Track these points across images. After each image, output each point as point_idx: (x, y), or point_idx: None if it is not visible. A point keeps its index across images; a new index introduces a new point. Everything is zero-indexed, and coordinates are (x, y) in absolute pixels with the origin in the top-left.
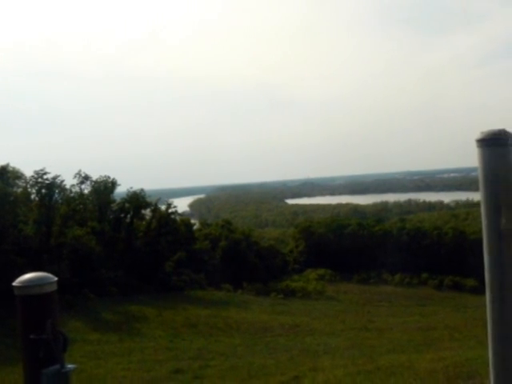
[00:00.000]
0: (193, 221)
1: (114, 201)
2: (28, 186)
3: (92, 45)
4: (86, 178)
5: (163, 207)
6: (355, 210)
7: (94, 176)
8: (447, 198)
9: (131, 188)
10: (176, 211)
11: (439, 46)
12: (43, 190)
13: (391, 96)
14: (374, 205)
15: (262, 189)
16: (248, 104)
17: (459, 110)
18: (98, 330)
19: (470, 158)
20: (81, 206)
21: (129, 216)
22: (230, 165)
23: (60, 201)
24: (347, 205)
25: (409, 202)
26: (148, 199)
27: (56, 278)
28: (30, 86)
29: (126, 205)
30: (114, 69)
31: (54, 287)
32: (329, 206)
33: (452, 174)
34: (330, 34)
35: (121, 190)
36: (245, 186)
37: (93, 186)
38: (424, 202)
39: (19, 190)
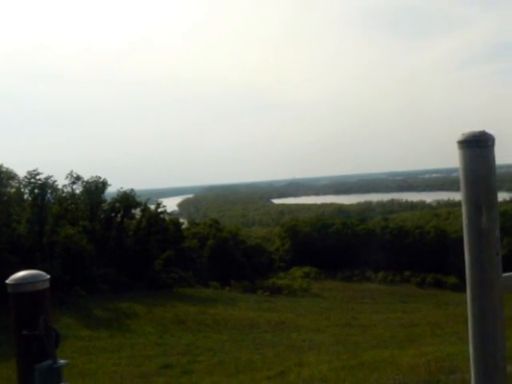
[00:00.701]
0: (181, 220)
1: (104, 200)
2: (21, 186)
3: (85, 49)
4: (78, 178)
5: (153, 207)
6: (339, 209)
7: (86, 176)
8: (429, 197)
9: (121, 188)
10: (165, 211)
11: (421, 50)
12: (36, 190)
13: (374, 98)
14: (358, 204)
15: (249, 189)
16: (236, 106)
17: (441, 111)
18: (89, 327)
19: (451, 159)
20: (72, 206)
21: (119, 215)
22: (218, 165)
23: (52, 200)
24: (332, 204)
25: (392, 201)
26: (138, 199)
27: (48, 276)
28: (24, 88)
29: (117, 204)
30: (105, 72)
31: (47, 285)
32: (314, 205)
33: (434, 175)
34: (315, 38)
35: (111, 190)
36: (232, 186)
37: (84, 187)
38: (406, 201)
39: (12, 190)
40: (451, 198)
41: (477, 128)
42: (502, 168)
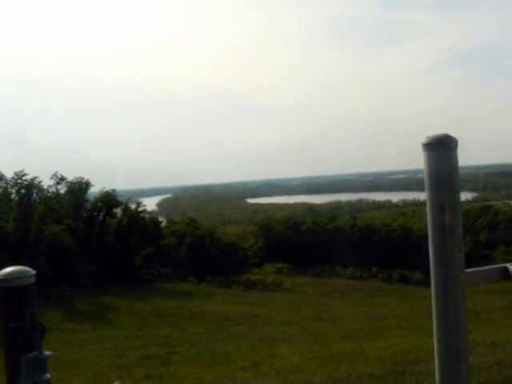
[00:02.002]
0: (160, 219)
1: (87, 200)
2: (8, 186)
3: (66, 56)
4: (62, 179)
5: (133, 206)
6: (311, 208)
7: (70, 177)
8: (395, 197)
9: (104, 188)
10: (145, 210)
11: (388, 57)
12: (22, 190)
13: (344, 103)
14: (328, 204)
15: (225, 189)
16: (212, 110)
17: (407, 115)
18: (73, 320)
19: (416, 161)
20: (57, 205)
21: (101, 214)
22: (196, 167)
23: (38, 200)
24: (303, 204)
25: (360, 201)
26: (119, 199)
27: (34, 272)
28: (12, 92)
29: (99, 204)
30: (86, 78)
31: (33, 280)
32: (286, 204)
33: (400, 176)
34: (286, 46)
35: (94, 190)
36: (209, 186)
37: (68, 187)
38: (374, 201)
39: (0, 190)
40: (416, 198)
41: (440, 131)
42: (464, 169)
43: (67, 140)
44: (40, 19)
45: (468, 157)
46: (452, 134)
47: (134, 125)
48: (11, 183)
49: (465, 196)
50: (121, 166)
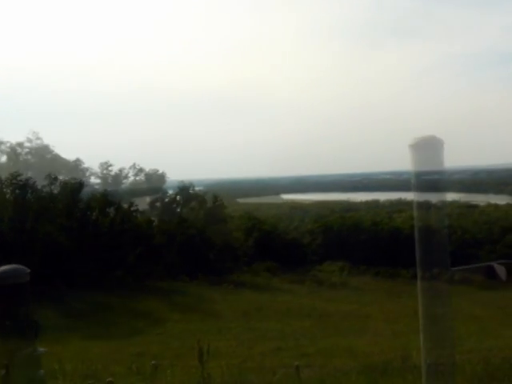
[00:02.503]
0: (152, 218)
1: (81, 200)
2: (3, 186)
3: (60, 60)
4: (56, 179)
5: (126, 206)
6: (300, 207)
7: (42, 175)
8: (383, 197)
9: (97, 188)
10: (137, 209)
11: (377, 58)
12: (17, 190)
13: (333, 104)
14: (317, 203)
15: (215, 188)
16: (200, 109)
17: (393, 118)
18: (67, 318)
19: (402, 162)
20: (51, 205)
21: (95, 213)
22: (187, 166)
23: (32, 200)
24: (292, 203)
25: (348, 200)
26: (112, 198)
27: (29, 270)
28: (7, 94)
29: (92, 203)
30: (80, 82)
31: (27, 278)
32: (276, 203)
33: (387, 176)
34: (280, 47)
35: (87, 190)
36: (199, 185)
37: (62, 187)
38: (362, 200)
39: None
40: (403, 198)
41: (427, 133)
42: (450, 170)
43: (61, 143)
44: (34, 22)
45: (454, 158)
46: (438, 135)
47: (127, 127)
48: (6, 183)
49: (451, 196)
50: (95, 165)
